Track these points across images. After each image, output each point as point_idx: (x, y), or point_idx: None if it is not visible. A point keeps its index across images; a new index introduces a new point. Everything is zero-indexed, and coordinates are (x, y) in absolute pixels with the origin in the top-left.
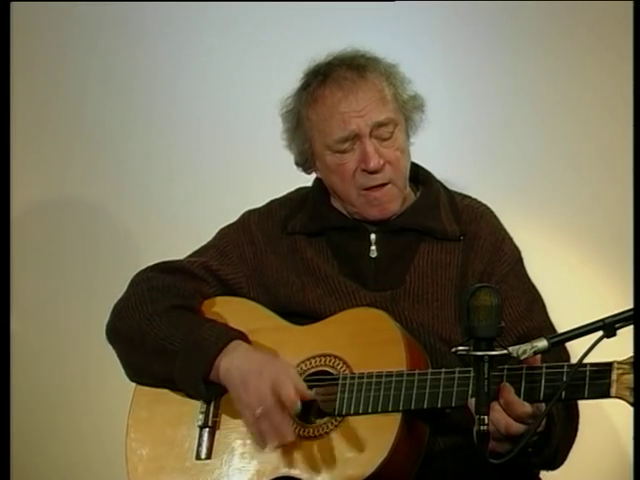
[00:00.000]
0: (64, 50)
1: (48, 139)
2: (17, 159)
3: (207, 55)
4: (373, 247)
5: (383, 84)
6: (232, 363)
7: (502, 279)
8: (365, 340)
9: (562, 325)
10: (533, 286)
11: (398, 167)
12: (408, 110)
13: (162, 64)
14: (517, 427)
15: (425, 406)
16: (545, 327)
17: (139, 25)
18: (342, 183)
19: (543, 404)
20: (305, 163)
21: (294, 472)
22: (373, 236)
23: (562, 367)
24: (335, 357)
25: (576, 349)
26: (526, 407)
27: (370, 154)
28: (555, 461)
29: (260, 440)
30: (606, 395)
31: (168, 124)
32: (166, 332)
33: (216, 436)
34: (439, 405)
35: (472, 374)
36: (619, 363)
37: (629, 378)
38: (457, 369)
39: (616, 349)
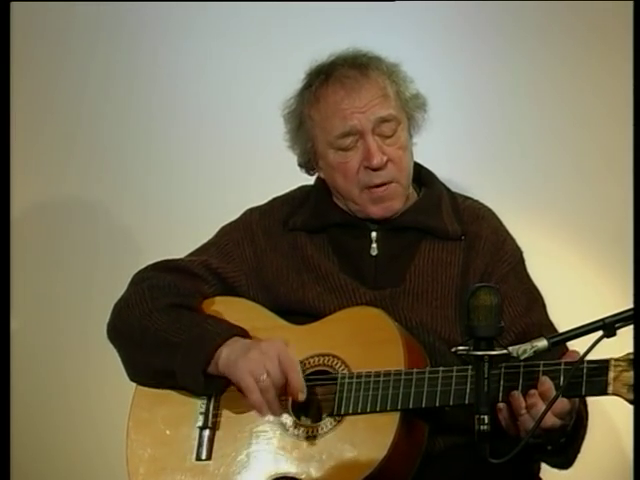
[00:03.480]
0: (64, 50)
1: (48, 139)
2: (17, 158)
3: (207, 54)
4: (374, 245)
5: (386, 82)
6: (232, 351)
7: (502, 279)
8: (364, 339)
9: (562, 325)
10: (534, 286)
11: (401, 165)
12: (410, 109)
13: (162, 64)
14: (554, 421)
15: (423, 405)
16: (544, 325)
17: (139, 25)
18: (345, 181)
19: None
20: (308, 163)
21: (294, 472)
22: (374, 234)
23: (559, 364)
24: (334, 356)
25: (576, 349)
26: (564, 403)
27: (373, 151)
28: (574, 459)
29: (263, 409)
30: (604, 392)
31: (168, 123)
32: (167, 326)
33: (216, 437)
34: (437, 404)
35: (470, 372)
36: (616, 360)
37: (626, 375)
38: (455, 367)
39: (616, 349)
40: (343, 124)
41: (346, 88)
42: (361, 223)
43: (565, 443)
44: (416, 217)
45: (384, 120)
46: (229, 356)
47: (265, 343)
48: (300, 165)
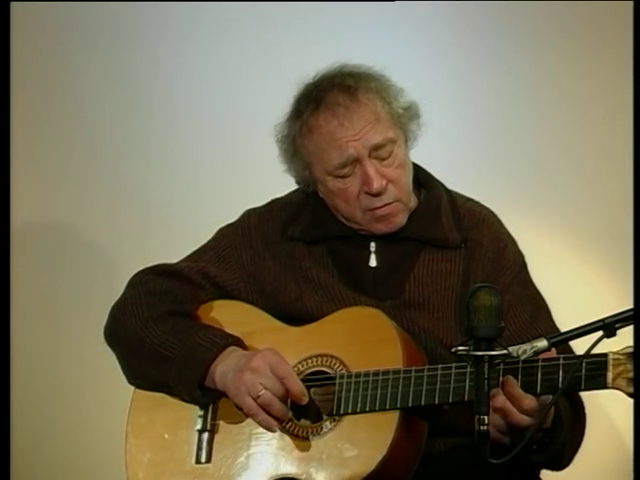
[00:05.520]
0: (64, 50)
1: (48, 139)
2: (17, 158)
3: (206, 55)
4: (373, 256)
5: (376, 103)
6: (227, 367)
7: (505, 289)
8: (361, 339)
9: (562, 325)
10: (537, 292)
11: (401, 184)
12: (404, 123)
13: (162, 64)
14: (520, 419)
15: (423, 403)
16: (550, 334)
17: (139, 25)
18: (346, 206)
19: (549, 397)
20: (307, 187)
21: (294, 473)
22: (373, 245)
23: (558, 359)
24: (332, 357)
25: (576, 349)
26: (530, 400)
27: (372, 177)
28: (562, 459)
29: (268, 425)
30: (603, 386)
31: (168, 124)
32: (162, 338)
33: (215, 440)
34: (436, 401)
35: (469, 369)
36: (614, 354)
37: (625, 368)
38: (453, 364)
39: (615, 349)
40: (340, 154)
41: (338, 117)
42: (359, 234)
43: (545, 441)
44: (415, 227)
45: (379, 146)
46: (225, 376)
47: (254, 359)
48: (298, 184)
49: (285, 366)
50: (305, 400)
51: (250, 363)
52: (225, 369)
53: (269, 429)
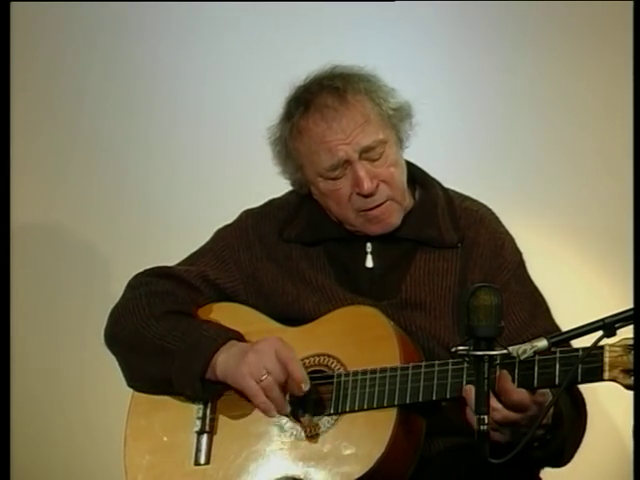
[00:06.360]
0: (64, 50)
1: (48, 139)
2: (17, 158)
3: (207, 54)
4: (369, 257)
5: (366, 105)
6: (229, 356)
7: (503, 288)
8: (358, 337)
9: (562, 325)
10: (536, 289)
11: (393, 184)
12: (395, 123)
13: (162, 64)
14: (511, 415)
15: (420, 399)
16: (550, 332)
17: (139, 25)
18: (338, 207)
19: (545, 391)
20: (300, 189)
21: (293, 472)
22: (369, 246)
23: (555, 353)
24: (329, 356)
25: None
26: (522, 394)
27: (362, 178)
28: (563, 456)
29: (270, 411)
30: (600, 378)
31: (168, 124)
32: (163, 332)
33: (214, 441)
34: (434, 397)
35: (466, 365)
36: (611, 346)
37: (622, 360)
38: (450, 360)
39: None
40: (330, 157)
41: (327, 119)
42: (355, 235)
43: (546, 437)
44: (411, 228)
45: (369, 148)
46: (227, 362)
47: (260, 343)
48: (293, 186)
49: (289, 352)
50: (306, 387)
51: (256, 346)
52: (228, 359)
53: (267, 413)
